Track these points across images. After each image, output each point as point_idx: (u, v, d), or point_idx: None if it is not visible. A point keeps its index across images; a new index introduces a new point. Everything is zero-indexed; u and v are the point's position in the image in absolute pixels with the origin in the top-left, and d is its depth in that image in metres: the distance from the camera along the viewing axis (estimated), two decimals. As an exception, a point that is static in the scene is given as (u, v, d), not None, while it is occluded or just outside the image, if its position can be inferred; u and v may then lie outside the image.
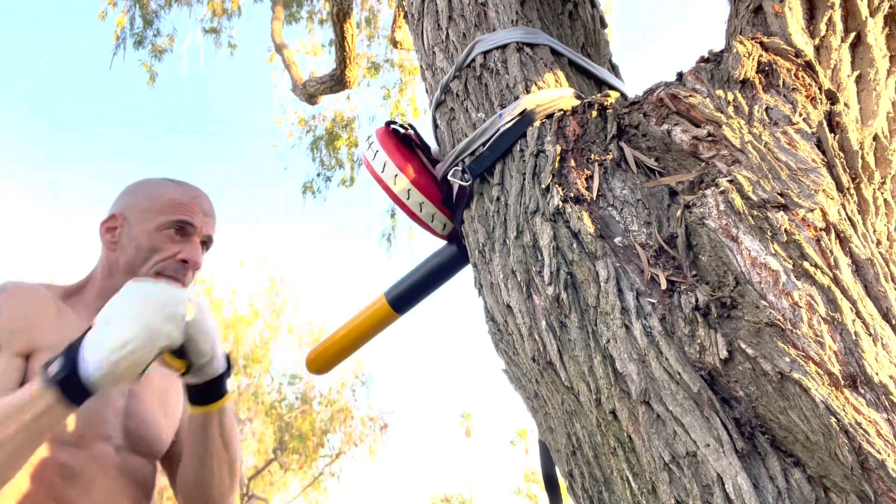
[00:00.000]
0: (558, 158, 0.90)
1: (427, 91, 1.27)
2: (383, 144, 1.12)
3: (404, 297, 1.16)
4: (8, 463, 0.96)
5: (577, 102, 1.00)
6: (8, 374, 1.10)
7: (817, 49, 0.94)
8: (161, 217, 1.25)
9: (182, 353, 1.08)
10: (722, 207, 0.74)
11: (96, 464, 1.16)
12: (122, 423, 1.21)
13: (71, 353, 0.97)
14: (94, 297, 1.28)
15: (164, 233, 1.25)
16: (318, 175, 7.64)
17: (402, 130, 1.16)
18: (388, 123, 1.17)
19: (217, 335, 1.12)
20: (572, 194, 0.87)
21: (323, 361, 1.24)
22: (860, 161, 0.84)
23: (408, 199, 1.08)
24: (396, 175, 1.08)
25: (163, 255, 1.25)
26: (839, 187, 0.79)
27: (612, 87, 1.17)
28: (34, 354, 1.14)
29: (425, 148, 1.17)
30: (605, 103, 0.94)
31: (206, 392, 1.16)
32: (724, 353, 0.69)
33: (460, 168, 1.03)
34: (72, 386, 0.95)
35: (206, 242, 1.33)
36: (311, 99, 6.04)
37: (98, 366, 0.95)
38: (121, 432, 1.21)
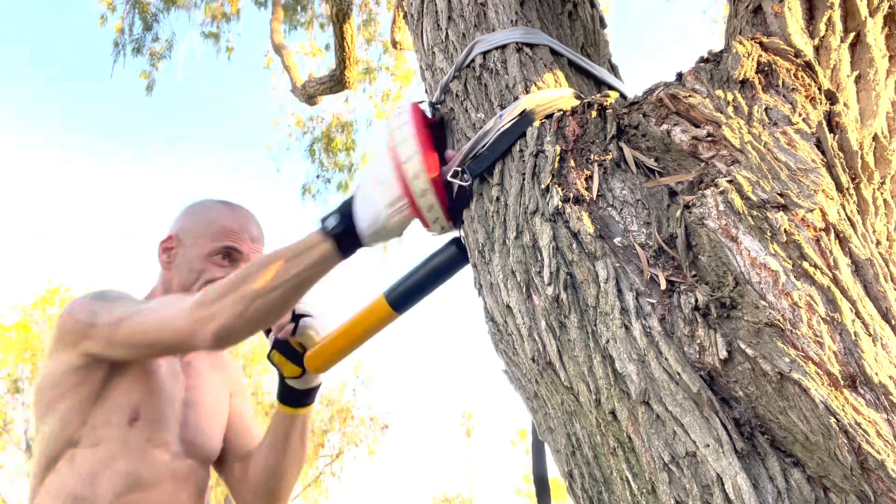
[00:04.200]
0: (558, 159, 0.90)
1: (427, 91, 1.27)
2: (417, 131, 1.04)
3: (404, 297, 1.16)
4: (283, 300, 1.07)
5: (577, 103, 1.00)
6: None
7: (817, 49, 0.94)
8: (212, 243, 1.35)
9: (297, 360, 1.23)
10: (721, 208, 0.74)
11: (155, 470, 1.24)
12: (179, 431, 1.30)
13: (345, 209, 1.06)
14: None
15: (214, 258, 1.36)
16: (318, 177, 7.64)
17: (430, 116, 1.13)
18: (420, 103, 1.13)
19: None
20: (572, 194, 0.87)
21: (322, 360, 1.24)
22: (860, 161, 0.84)
23: (420, 197, 1.04)
24: (418, 172, 1.01)
25: (209, 278, 1.34)
26: (839, 187, 0.79)
27: (611, 88, 1.17)
28: None
29: (438, 125, 1.15)
30: (605, 103, 0.94)
31: (302, 397, 1.31)
32: (723, 354, 0.69)
33: (460, 168, 1.03)
34: (348, 238, 1.05)
35: None
36: (310, 100, 6.05)
37: (372, 220, 1.03)
38: (178, 440, 1.30)
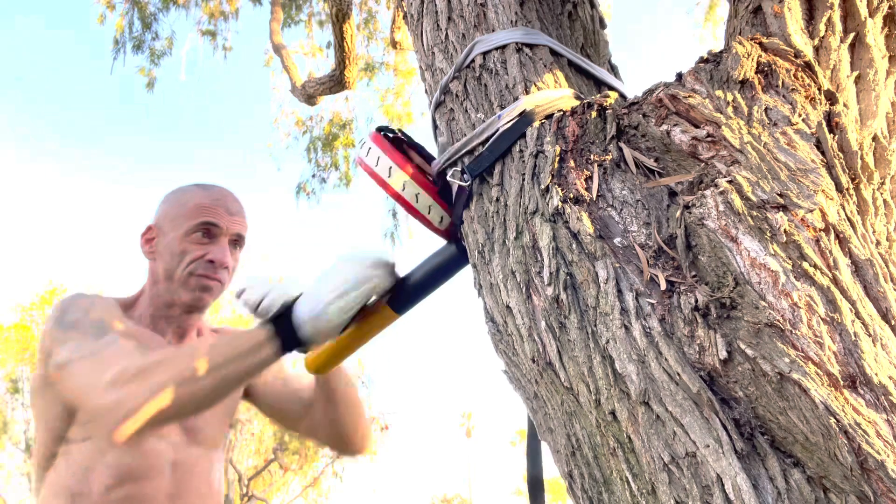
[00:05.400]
0: (558, 159, 0.90)
1: (426, 92, 1.27)
2: (376, 142, 1.13)
3: (404, 298, 1.16)
4: (219, 394, 1.05)
5: (577, 103, 1.00)
6: (127, 345, 1.20)
7: (816, 49, 0.94)
8: (188, 222, 1.34)
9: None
10: (721, 208, 0.74)
11: (150, 461, 1.23)
12: (179, 421, 1.29)
13: (286, 309, 1.06)
14: (145, 306, 1.38)
15: (192, 236, 1.34)
16: (314, 176, 7.64)
17: (391, 134, 1.18)
18: (379, 129, 1.19)
19: None
20: (572, 195, 0.87)
21: (322, 362, 1.24)
22: (859, 161, 0.84)
23: (403, 189, 1.09)
24: (391, 168, 1.09)
25: (192, 257, 1.33)
26: (838, 188, 0.79)
27: (611, 88, 1.17)
28: None
29: (417, 146, 1.19)
30: (605, 104, 0.94)
31: None
32: (723, 354, 0.69)
33: (459, 168, 1.03)
34: (287, 336, 1.04)
35: (237, 241, 1.41)
36: (310, 100, 6.05)
37: (312, 313, 1.04)
38: (178, 428, 1.29)
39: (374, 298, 1.11)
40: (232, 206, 1.39)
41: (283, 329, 1.05)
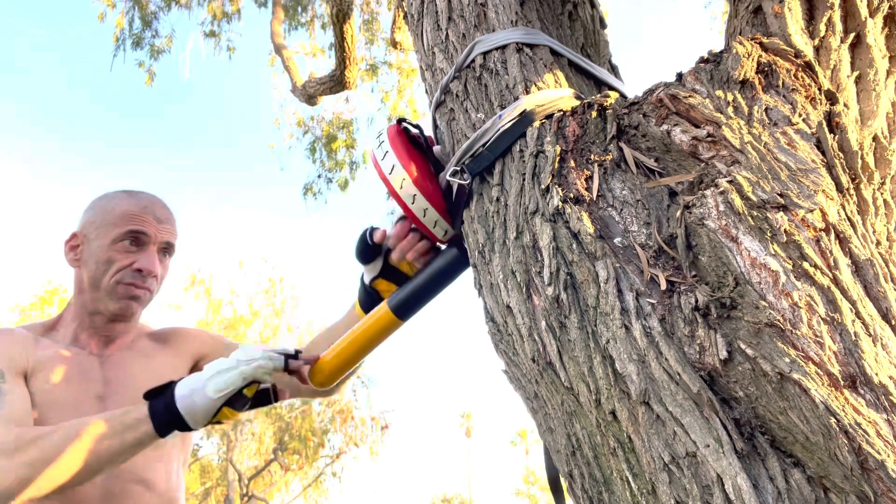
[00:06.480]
0: (558, 159, 0.90)
1: (427, 92, 1.27)
2: (393, 145, 1.11)
3: (407, 304, 1.15)
4: (102, 469, 1.08)
5: (577, 103, 1.00)
6: (23, 396, 1.19)
7: (817, 49, 0.94)
8: (115, 230, 1.31)
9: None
10: (721, 208, 0.74)
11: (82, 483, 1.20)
12: (104, 408, 1.27)
13: (168, 390, 1.11)
14: (70, 318, 1.36)
15: (119, 244, 1.31)
16: (319, 177, 7.64)
17: (412, 130, 1.16)
18: (400, 121, 1.17)
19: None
20: (572, 195, 0.87)
21: (327, 374, 1.21)
22: (860, 161, 0.84)
23: (412, 203, 1.08)
24: (404, 179, 1.08)
25: (119, 266, 1.31)
26: (839, 188, 0.79)
27: (611, 88, 1.17)
28: (29, 376, 1.24)
29: (431, 151, 1.17)
30: (605, 104, 0.94)
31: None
32: (723, 354, 0.69)
33: (459, 168, 1.03)
34: (167, 418, 1.09)
35: (167, 249, 1.38)
36: (310, 100, 6.05)
37: (188, 392, 1.09)
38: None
39: (254, 384, 1.15)
40: (160, 213, 1.36)
41: (159, 404, 1.10)
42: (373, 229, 1.20)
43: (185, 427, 1.10)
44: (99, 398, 1.29)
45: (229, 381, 1.11)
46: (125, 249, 1.31)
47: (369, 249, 1.19)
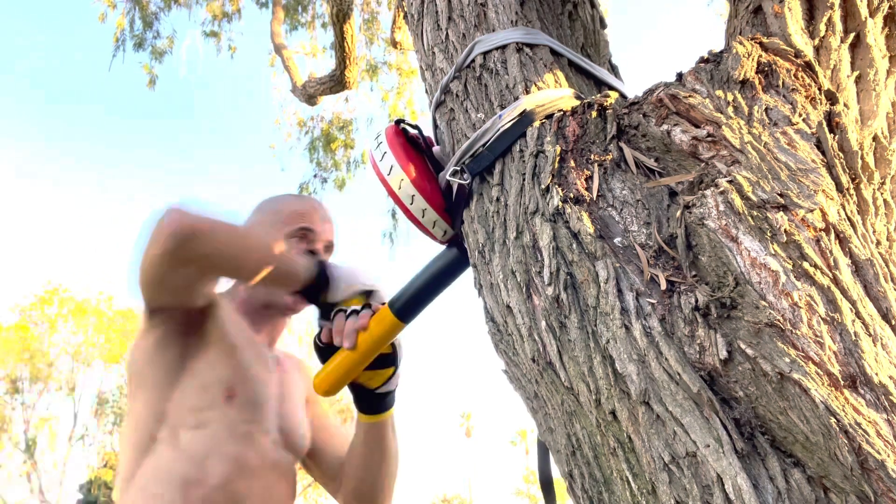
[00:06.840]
0: (558, 159, 0.90)
1: (427, 92, 1.27)
2: (391, 146, 1.11)
3: (409, 306, 1.14)
4: (238, 270, 1.15)
5: (577, 103, 1.00)
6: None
7: (817, 49, 0.94)
8: (286, 227, 1.38)
9: (391, 362, 1.23)
10: (721, 208, 0.74)
11: (260, 457, 1.24)
12: (277, 421, 1.31)
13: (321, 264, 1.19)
14: (240, 308, 1.39)
15: (290, 241, 1.37)
16: (315, 176, 7.64)
17: (411, 131, 1.16)
18: (398, 122, 1.17)
19: None
20: (572, 195, 0.87)
21: (331, 382, 1.19)
22: (860, 161, 0.84)
23: (411, 204, 1.08)
24: (402, 179, 1.08)
25: None
26: (839, 188, 0.79)
27: (611, 88, 1.17)
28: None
29: (430, 151, 1.17)
30: (605, 104, 0.94)
31: (383, 401, 1.28)
32: (723, 354, 0.69)
33: (459, 168, 1.03)
34: (317, 278, 1.16)
35: (329, 247, 1.45)
36: (310, 100, 6.05)
37: (336, 272, 1.17)
38: (277, 430, 1.31)
39: (373, 304, 1.19)
40: (324, 214, 1.44)
41: (318, 266, 1.16)
42: (318, 334, 1.22)
43: (323, 288, 1.16)
44: (278, 392, 1.33)
45: (366, 276, 1.19)
46: (294, 246, 1.36)
47: (322, 350, 1.21)
